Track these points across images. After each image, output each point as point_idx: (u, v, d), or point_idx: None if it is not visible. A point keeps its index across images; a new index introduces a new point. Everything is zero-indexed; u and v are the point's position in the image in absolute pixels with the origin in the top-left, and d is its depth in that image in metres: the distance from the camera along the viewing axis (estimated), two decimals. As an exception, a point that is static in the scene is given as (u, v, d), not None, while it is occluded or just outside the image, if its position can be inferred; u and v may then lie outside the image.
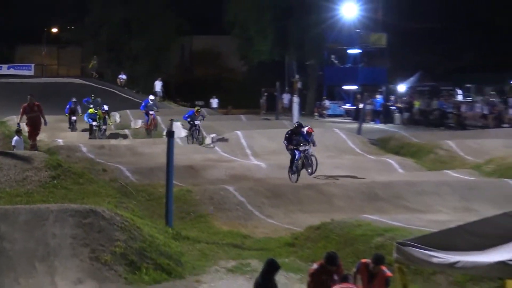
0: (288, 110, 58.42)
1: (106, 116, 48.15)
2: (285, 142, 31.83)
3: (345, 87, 67.32)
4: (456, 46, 71.15)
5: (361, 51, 71.14)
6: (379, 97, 61.61)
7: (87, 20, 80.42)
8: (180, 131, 39.14)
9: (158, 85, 69.35)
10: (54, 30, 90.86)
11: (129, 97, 67.24)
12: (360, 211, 26.46)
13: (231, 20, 70.65)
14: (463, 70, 68.49)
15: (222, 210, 29.01)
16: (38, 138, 39.49)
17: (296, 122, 29.85)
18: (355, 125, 50.23)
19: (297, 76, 62.41)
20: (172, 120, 33.05)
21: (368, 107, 57.98)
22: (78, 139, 45.87)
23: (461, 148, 42.48)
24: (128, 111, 55.42)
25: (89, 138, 46.50)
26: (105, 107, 48.92)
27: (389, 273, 13.40)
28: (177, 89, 70.23)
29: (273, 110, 60.68)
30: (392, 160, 40.06)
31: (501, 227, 12.04)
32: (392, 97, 63.27)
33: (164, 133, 34.04)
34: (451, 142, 44.25)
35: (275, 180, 34.05)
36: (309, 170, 32.35)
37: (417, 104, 61.02)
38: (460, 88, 65.11)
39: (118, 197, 29.07)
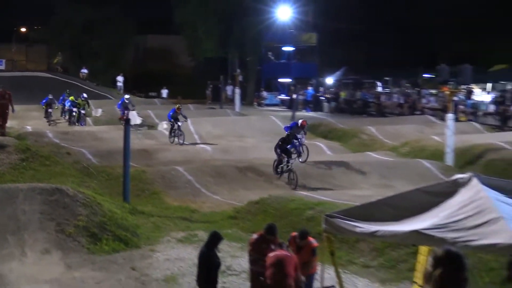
0: (231, 100, 58.34)
1: (86, 104, 47.19)
2: (277, 148, 30.22)
3: (280, 80, 67.36)
4: (376, 44, 71.67)
5: (294, 48, 71.36)
6: (310, 89, 61.77)
7: (52, 21, 79.70)
8: (135, 119, 38.77)
9: (120, 80, 69.17)
10: (23, 30, 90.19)
11: (90, 89, 66.65)
12: (284, 186, 26.54)
13: (181, 22, 70.56)
14: (382, 65, 68.80)
15: (172, 188, 29.10)
16: (8, 125, 39.13)
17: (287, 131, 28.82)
18: (289, 113, 50.26)
19: (238, 71, 62.20)
20: (127, 108, 32.99)
21: (300, 97, 58.17)
22: (45, 127, 45.34)
23: (381, 133, 42.86)
24: (90, 101, 55.23)
25: (69, 125, 45.88)
26: (84, 95, 48.39)
27: (315, 244, 13.51)
28: (133, 82, 69.79)
29: (217, 100, 60.51)
30: (321, 144, 40.20)
31: (415, 200, 12.22)
32: (321, 89, 63.54)
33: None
34: (372, 128, 44.65)
35: (219, 162, 34.14)
36: (300, 160, 30.53)
37: (342, 94, 61.39)
38: (380, 81, 65.55)
39: (80, 177, 29.09)
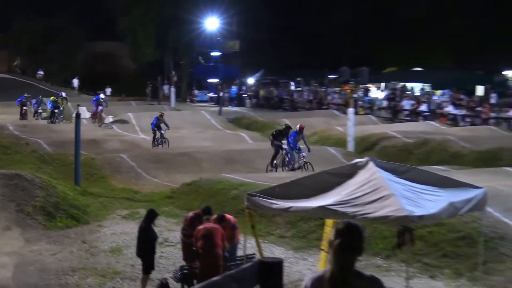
0: (167, 97, 58.11)
1: (65, 101, 45.75)
2: (271, 137, 28.97)
3: (209, 80, 67.38)
4: (290, 50, 71.99)
5: (220, 53, 71.60)
6: (234, 88, 61.94)
7: (12, 29, 78.59)
8: (85, 113, 38.23)
9: (75, 82, 68.60)
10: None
11: (46, 88, 65.85)
12: (221, 171, 26.54)
13: (124, 30, 70.27)
14: (295, 67, 69.25)
15: (118, 172, 29.02)
16: None
17: (285, 124, 27.42)
18: (216, 108, 50.39)
19: (173, 72, 62.10)
20: (79, 105, 32.38)
21: (226, 95, 58.26)
22: (7, 121, 44.44)
23: (293, 124, 42.54)
24: (44, 99, 54.59)
25: (49, 123, 42.94)
26: (63, 94, 47.48)
27: (233, 220, 13.46)
28: (83, 82, 69.13)
29: (156, 97, 60.27)
30: (244, 134, 40.34)
31: (321, 181, 12.34)
32: (244, 88, 63.75)
33: (74, 115, 33.04)
34: (286, 120, 44.59)
35: (157, 150, 34.19)
36: (286, 168, 28.62)
37: (261, 92, 61.52)
38: (293, 81, 66.00)
39: (38, 164, 28.91)
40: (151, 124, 35.93)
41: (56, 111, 41.87)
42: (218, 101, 55.53)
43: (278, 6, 68.93)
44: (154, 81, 63.45)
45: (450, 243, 15.48)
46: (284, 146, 25.40)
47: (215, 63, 71.40)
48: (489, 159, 29.05)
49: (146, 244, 13.47)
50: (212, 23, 63.97)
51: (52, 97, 44.41)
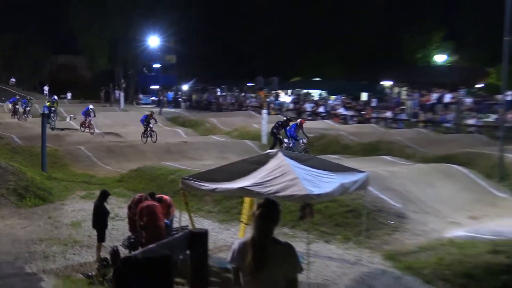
0: (118, 100, 57.42)
1: (56, 104, 43.27)
2: (274, 130, 27.18)
3: (151, 87, 66.88)
4: (217, 62, 71.87)
5: (160, 65, 70.94)
6: (171, 93, 61.67)
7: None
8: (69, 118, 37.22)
9: (46, 89, 67.16)
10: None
11: (17, 93, 63.90)
12: (161, 160, 26.42)
13: (82, 45, 69.46)
14: (220, 77, 69.10)
15: (77, 161, 28.78)
16: None
17: (285, 117, 26.22)
18: (157, 109, 50.14)
19: (122, 80, 61.47)
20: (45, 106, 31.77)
21: (165, 98, 57.99)
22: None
23: (219, 122, 43.24)
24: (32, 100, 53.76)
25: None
26: (55, 97, 45.97)
27: (170, 200, 13.46)
28: (50, 88, 67.73)
29: (108, 100, 59.56)
30: (179, 130, 40.37)
31: (241, 167, 12.48)
32: (179, 93, 63.50)
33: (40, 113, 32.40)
34: (214, 119, 45.05)
35: (110, 143, 33.81)
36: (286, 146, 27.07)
37: (194, 97, 61.63)
38: (219, 88, 65.92)
39: (10, 154, 28.42)
40: (141, 120, 34.93)
41: (52, 114, 38.66)
42: (158, 104, 55.22)
43: (208, 26, 68.77)
44: (107, 87, 62.71)
45: (341, 215, 15.80)
46: (285, 140, 24.69)
47: (156, 73, 70.92)
48: (370, 149, 29.64)
49: (100, 218, 13.42)
50: (154, 41, 63.51)
51: (48, 103, 41.34)
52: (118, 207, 16.73)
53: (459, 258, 12.29)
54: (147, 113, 35.72)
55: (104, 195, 13.83)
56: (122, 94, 58.08)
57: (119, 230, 14.80)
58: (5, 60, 76.47)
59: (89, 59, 72.16)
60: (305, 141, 26.93)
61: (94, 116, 37.67)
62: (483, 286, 11.20)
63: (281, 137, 23.88)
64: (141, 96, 64.77)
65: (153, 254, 2.33)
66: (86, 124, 36.61)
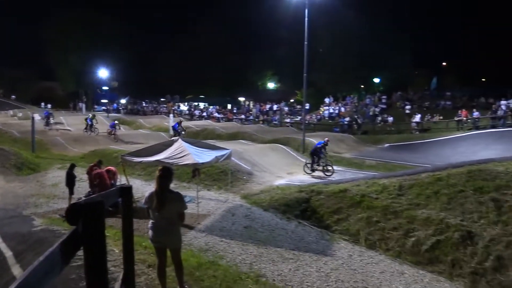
0: (81, 109, 53.75)
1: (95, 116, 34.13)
2: (312, 154, 18.76)
3: (102, 100, 63.00)
4: (142, 85, 69.24)
5: (108, 87, 67.45)
6: (115, 104, 58.69)
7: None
8: (37, 116, 33.79)
9: (49, 105, 59.68)
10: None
11: (16, 104, 58.89)
12: (109, 145, 25.26)
13: (59, 76, 64.56)
14: (145, 94, 66.27)
15: (55, 146, 26.80)
16: None
17: (327, 139, 18.84)
18: (106, 114, 47.82)
19: (84, 96, 57.93)
20: (33, 113, 29.25)
21: (111, 108, 55.15)
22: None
23: (144, 122, 41.66)
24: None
25: (84, 131, 31.97)
26: (93, 113, 39.18)
27: (114, 169, 12.91)
28: (33, 102, 61.98)
29: (75, 109, 55.60)
30: (122, 127, 38.30)
31: (157, 147, 12.20)
32: (120, 104, 60.45)
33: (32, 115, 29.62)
34: (141, 120, 43.20)
35: (76, 133, 31.61)
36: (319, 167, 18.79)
37: (129, 106, 58.91)
38: (144, 101, 63.22)
39: (12, 143, 26.04)
40: (174, 126, 29.03)
41: (94, 124, 31.94)
42: (107, 111, 52.60)
43: (137, 64, 66.05)
44: (74, 101, 58.73)
45: (216, 174, 15.85)
46: (322, 156, 17.93)
47: (105, 92, 67.20)
48: (233, 137, 29.83)
49: (70, 180, 12.73)
50: (103, 72, 60.20)
51: (91, 115, 33.83)
52: (81, 174, 15.84)
53: (282, 195, 12.71)
54: (177, 121, 30.25)
55: (72, 166, 13.16)
56: (84, 105, 54.92)
57: (82, 187, 14.03)
58: (9, 85, 68.33)
59: (62, 84, 67.21)
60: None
61: (119, 129, 32.34)
62: (294, 210, 11.65)
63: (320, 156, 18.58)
64: (96, 106, 61.05)
65: (91, 200, 2.29)
66: (112, 133, 30.08)
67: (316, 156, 18.32)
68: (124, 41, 61.91)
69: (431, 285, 7.68)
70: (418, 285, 7.65)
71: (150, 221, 5.23)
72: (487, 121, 28.98)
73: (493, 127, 27.61)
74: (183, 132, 27.00)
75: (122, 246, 3.97)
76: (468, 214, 9.45)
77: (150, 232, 5.20)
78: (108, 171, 12.36)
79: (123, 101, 63.25)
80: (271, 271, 7.83)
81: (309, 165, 18.32)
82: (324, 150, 18.56)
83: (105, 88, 67.78)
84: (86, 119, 33.17)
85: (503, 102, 30.25)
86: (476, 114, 30.08)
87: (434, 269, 8.28)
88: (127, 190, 3.93)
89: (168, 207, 5.08)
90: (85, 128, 32.18)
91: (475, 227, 8.96)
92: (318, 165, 18.21)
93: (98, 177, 11.89)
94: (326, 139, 19.56)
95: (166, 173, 5.19)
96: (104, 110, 56.15)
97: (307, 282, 7.46)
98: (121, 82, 69.21)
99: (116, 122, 32.50)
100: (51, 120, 35.22)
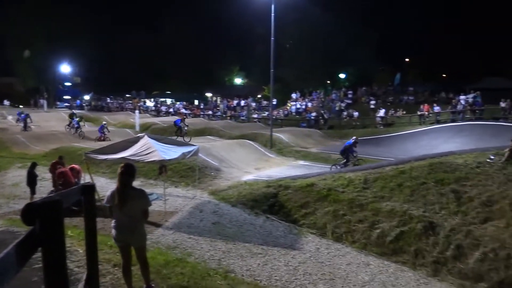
0: (42, 106, 51.90)
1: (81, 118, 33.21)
2: (342, 150, 18.23)
3: (65, 97, 60.98)
4: (106, 82, 67.47)
5: (70, 83, 65.53)
6: (78, 101, 57.02)
7: None
8: (8, 116, 31.88)
9: (6, 102, 57.73)
10: None
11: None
12: (72, 142, 24.57)
13: (18, 72, 61.91)
14: (108, 91, 64.57)
15: (16, 144, 25.70)
16: None
17: (354, 138, 18.21)
18: (69, 111, 46.49)
19: (45, 93, 55.96)
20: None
21: (74, 104, 53.61)
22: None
23: (109, 118, 40.40)
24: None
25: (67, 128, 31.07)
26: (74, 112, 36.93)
27: (78, 167, 12.57)
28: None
29: (36, 106, 53.50)
30: (86, 124, 37.13)
31: (122, 144, 11.96)
32: (83, 101, 58.60)
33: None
34: (106, 116, 42.01)
35: (41, 131, 30.50)
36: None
37: (93, 103, 57.21)
38: (108, 97, 61.64)
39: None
40: (176, 122, 25.76)
41: (79, 125, 30.45)
42: (70, 107, 51.03)
43: (101, 59, 64.07)
44: (35, 97, 56.63)
45: (184, 170, 15.71)
46: (353, 154, 17.35)
47: (68, 88, 65.20)
48: (200, 132, 29.69)
49: (31, 180, 12.34)
50: (65, 68, 58.38)
51: (78, 118, 32.05)
52: (44, 173, 15.34)
53: (250, 191, 12.73)
54: (180, 118, 27.02)
55: (33, 165, 12.76)
56: (45, 102, 52.96)
57: (44, 187, 13.58)
58: None
59: (22, 80, 64.55)
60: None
61: (108, 132, 29.31)
62: (262, 205, 11.70)
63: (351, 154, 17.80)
64: (58, 103, 58.92)
65: (48, 200, 2.22)
66: (101, 139, 27.68)
67: (348, 154, 17.81)
68: (88, 35, 60.05)
69: (395, 275, 7.89)
70: (383, 275, 7.84)
71: (113, 220, 5.12)
72: (447, 116, 29.94)
73: (453, 121, 28.56)
74: (185, 128, 24.69)
75: (85, 245, 3.86)
76: (430, 205, 9.76)
77: (113, 231, 5.09)
78: (71, 169, 12.02)
79: (86, 97, 61.58)
80: (240, 266, 7.85)
81: (342, 165, 17.44)
82: (354, 148, 17.97)
83: (67, 84, 65.84)
84: (71, 116, 31.82)
85: (462, 97, 31.35)
86: (437, 108, 31.02)
87: (398, 259, 8.51)
88: (89, 189, 3.83)
89: (131, 205, 5.00)
90: (68, 125, 31.11)
91: (437, 217, 9.26)
92: (347, 163, 17.49)
93: (62, 176, 11.54)
94: (355, 137, 18.74)
95: (127, 170, 5.10)
96: (66, 106, 54.55)
97: (275, 276, 7.52)
98: (84, 77, 67.27)
99: (104, 123, 30.46)
100: (29, 122, 32.55)
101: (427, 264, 8.21)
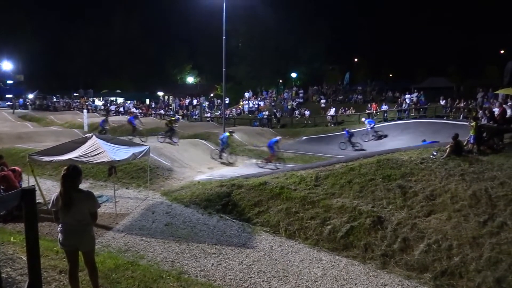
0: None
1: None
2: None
3: (7, 96, 57.34)
4: (50, 79, 64.52)
5: (13, 81, 61.80)
6: (21, 99, 53.98)
7: None
8: None
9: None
10: None
11: None
12: (15, 144, 23.24)
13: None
14: (54, 90, 61.71)
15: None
16: None
17: (279, 138, 20.90)
18: (11, 110, 43.95)
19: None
20: None
21: (17, 103, 50.67)
22: None
23: (55, 118, 38.68)
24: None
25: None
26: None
27: (20, 169, 11.92)
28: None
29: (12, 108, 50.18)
30: (28, 124, 35.46)
31: (69, 145, 11.61)
32: (27, 99, 55.57)
33: None
34: (52, 116, 40.16)
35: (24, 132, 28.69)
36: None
37: (37, 102, 54.58)
38: (54, 96, 58.76)
39: None
40: (130, 119, 24.95)
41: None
42: (12, 107, 48.29)
43: (44, 55, 61.10)
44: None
45: (135, 171, 15.30)
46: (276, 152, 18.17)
47: (10, 86, 61.65)
48: (152, 132, 29.08)
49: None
50: (7, 65, 55.24)
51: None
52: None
53: (203, 191, 12.62)
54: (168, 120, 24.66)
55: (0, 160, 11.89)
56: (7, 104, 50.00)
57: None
58: None
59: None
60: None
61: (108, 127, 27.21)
62: (216, 204, 11.62)
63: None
64: (0, 103, 55.70)
65: None
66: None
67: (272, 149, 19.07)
68: (31, 30, 57.06)
69: (346, 269, 8.09)
70: (335, 270, 8.03)
71: (60, 224, 4.91)
72: (394, 114, 31.13)
73: (399, 119, 29.74)
74: (140, 128, 23.60)
75: (26, 252, 3.66)
76: (378, 200, 10.10)
77: (60, 235, 4.89)
78: (13, 171, 11.40)
79: (30, 96, 58.55)
80: (194, 267, 7.78)
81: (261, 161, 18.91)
82: (276, 147, 19.29)
83: (9, 82, 62.38)
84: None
85: (407, 96, 32.75)
86: (384, 107, 32.18)
87: (349, 254, 8.74)
88: (29, 193, 3.63)
89: (77, 208, 4.83)
90: None
91: (384, 212, 9.60)
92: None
93: (5, 181, 10.90)
94: (279, 137, 21.29)
95: (71, 172, 4.93)
96: (9, 106, 51.70)
97: (229, 275, 7.50)
98: (28, 75, 63.84)
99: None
100: None
101: (376, 257, 8.48)
